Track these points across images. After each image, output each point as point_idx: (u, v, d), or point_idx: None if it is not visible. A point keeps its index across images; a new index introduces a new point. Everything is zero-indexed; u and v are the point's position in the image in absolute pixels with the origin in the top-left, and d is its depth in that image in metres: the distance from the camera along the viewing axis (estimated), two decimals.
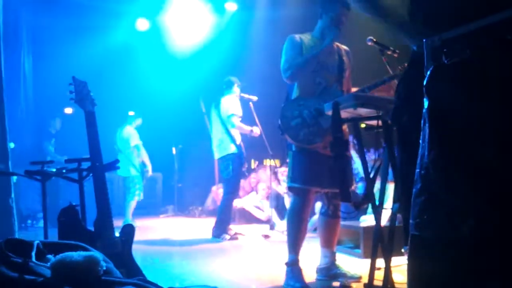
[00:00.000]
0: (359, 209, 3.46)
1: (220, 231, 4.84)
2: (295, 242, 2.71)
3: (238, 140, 4.93)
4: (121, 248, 2.15)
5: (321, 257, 2.89)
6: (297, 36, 2.79)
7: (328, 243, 2.87)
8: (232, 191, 4.91)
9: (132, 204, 5.91)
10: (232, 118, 4.89)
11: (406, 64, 2.54)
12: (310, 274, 2.84)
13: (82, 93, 2.33)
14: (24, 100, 6.45)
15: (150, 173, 6.20)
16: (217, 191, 7.20)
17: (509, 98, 1.22)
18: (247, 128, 5.01)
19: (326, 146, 2.52)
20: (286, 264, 2.70)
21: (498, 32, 1.26)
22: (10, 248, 1.41)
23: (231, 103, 4.96)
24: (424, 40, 1.42)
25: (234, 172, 4.83)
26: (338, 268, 2.83)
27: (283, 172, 6.57)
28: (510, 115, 1.22)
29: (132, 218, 5.91)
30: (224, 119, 4.94)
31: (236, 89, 5.06)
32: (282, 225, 5.73)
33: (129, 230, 2.22)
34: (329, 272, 2.84)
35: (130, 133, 6.05)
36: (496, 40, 1.27)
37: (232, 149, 4.85)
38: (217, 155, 4.99)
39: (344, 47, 2.94)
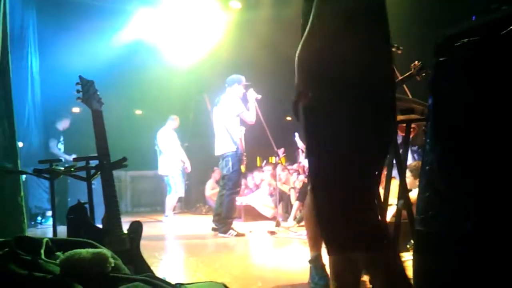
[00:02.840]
0: None
1: (226, 227, 4.88)
2: (316, 238, 2.71)
3: (238, 138, 4.97)
4: (129, 245, 2.16)
5: None
6: None
7: None
8: (233, 187, 4.96)
9: (172, 200, 6.62)
10: (241, 115, 4.96)
11: (417, 62, 2.52)
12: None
13: (89, 92, 2.34)
14: (31, 99, 6.50)
15: (188, 169, 6.81)
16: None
17: None
18: (253, 113, 5.04)
19: None
20: (309, 261, 2.71)
21: (502, 28, 1.26)
22: (19, 246, 1.43)
23: (232, 102, 4.99)
24: None
25: (234, 168, 4.90)
26: None
27: (291, 170, 6.59)
28: None
29: (172, 213, 6.72)
30: (225, 117, 4.98)
31: (238, 87, 5.07)
32: (288, 222, 5.75)
33: (136, 227, 2.24)
34: None
35: (170, 135, 6.65)
36: (499, 36, 1.26)
37: (231, 147, 4.91)
38: (217, 152, 5.06)
39: None
